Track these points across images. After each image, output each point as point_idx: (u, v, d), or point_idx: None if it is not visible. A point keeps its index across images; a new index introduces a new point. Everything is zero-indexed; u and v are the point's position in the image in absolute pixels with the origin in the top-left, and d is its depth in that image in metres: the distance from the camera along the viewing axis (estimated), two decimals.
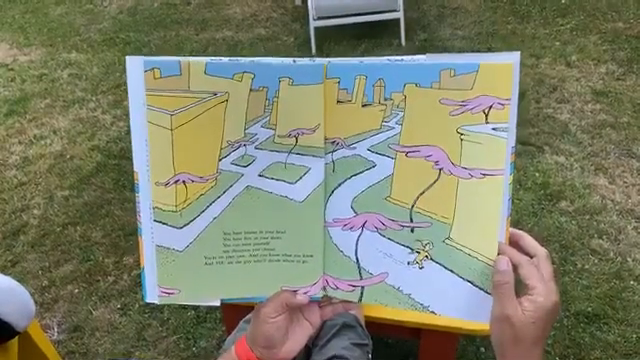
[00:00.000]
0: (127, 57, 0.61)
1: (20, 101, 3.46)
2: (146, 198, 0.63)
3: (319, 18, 3.70)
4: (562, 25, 3.80)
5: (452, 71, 0.58)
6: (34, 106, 3.41)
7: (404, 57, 0.60)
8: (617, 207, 2.36)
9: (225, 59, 0.60)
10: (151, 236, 0.64)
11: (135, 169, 0.63)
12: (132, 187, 0.62)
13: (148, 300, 0.66)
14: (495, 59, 0.58)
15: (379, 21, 3.71)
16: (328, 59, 0.60)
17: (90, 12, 4.63)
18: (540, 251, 0.60)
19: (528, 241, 0.61)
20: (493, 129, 0.59)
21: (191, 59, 0.60)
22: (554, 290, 0.57)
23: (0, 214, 2.57)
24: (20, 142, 3.08)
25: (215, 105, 0.61)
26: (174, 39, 4.13)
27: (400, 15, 3.68)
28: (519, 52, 0.58)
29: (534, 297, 0.57)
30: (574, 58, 3.41)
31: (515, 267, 0.59)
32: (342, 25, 3.74)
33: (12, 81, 3.70)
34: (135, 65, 0.60)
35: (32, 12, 4.71)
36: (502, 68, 0.58)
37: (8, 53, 4.08)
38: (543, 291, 0.57)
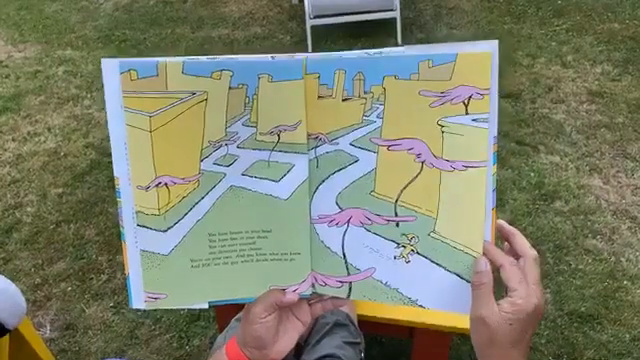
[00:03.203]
0: (102, 59, 0.59)
1: (14, 98, 3.44)
2: (128, 203, 0.62)
3: (315, 17, 3.69)
4: (558, 25, 3.81)
5: (430, 62, 0.57)
6: (28, 103, 3.39)
7: (383, 50, 0.59)
8: (611, 207, 2.37)
9: (203, 57, 0.59)
10: (135, 241, 0.63)
11: (116, 174, 0.62)
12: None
13: (134, 306, 0.65)
14: (473, 48, 0.57)
15: (376, 20, 3.71)
16: (307, 54, 0.59)
17: (85, 9, 4.61)
18: (528, 253, 0.59)
19: (518, 240, 0.60)
20: (473, 120, 0.58)
21: (168, 59, 0.59)
22: (537, 294, 0.56)
23: None
24: (14, 139, 3.07)
25: (194, 105, 0.60)
26: (170, 37, 4.12)
27: (397, 14, 3.68)
28: (497, 41, 0.57)
29: (513, 299, 0.56)
30: (570, 58, 3.42)
31: (497, 268, 0.58)
32: (339, 24, 3.73)
33: (6, 78, 3.68)
34: (111, 67, 0.59)
35: (27, 9, 4.69)
36: (480, 57, 0.57)
37: (3, 49, 4.06)
38: (524, 293, 0.55)
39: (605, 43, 3.56)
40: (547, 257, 2.15)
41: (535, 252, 0.59)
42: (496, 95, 0.58)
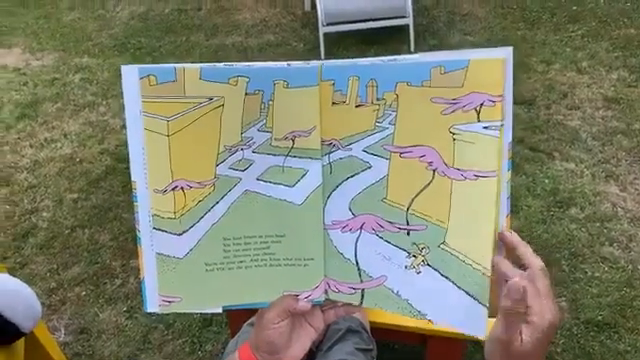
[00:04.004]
0: (122, 66, 0.61)
1: (32, 105, 3.49)
2: (145, 206, 0.63)
3: (328, 24, 3.70)
4: (573, 31, 3.78)
5: (442, 68, 0.57)
6: (45, 110, 3.44)
7: (397, 57, 0.59)
8: (628, 215, 2.33)
9: (220, 64, 0.60)
10: (151, 244, 0.64)
11: (133, 179, 0.62)
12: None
13: (149, 310, 0.66)
14: (486, 54, 0.56)
15: (389, 27, 3.71)
16: (322, 61, 0.60)
17: (102, 17, 4.67)
18: (534, 263, 0.56)
19: (522, 251, 0.57)
20: (484, 127, 0.56)
21: (186, 65, 0.60)
22: (550, 308, 0.54)
23: (10, 216, 2.59)
24: (31, 145, 3.11)
25: (211, 110, 0.61)
26: (184, 44, 4.16)
27: (409, 21, 3.67)
28: (512, 47, 0.56)
29: (530, 318, 0.53)
30: (585, 64, 3.39)
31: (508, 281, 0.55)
32: (351, 31, 3.74)
33: (24, 85, 3.74)
34: (130, 74, 0.60)
35: (45, 17, 4.76)
36: (493, 63, 0.56)
37: (21, 58, 4.13)
38: (538, 309, 0.53)
39: (621, 49, 3.52)
40: (562, 265, 2.13)
41: (541, 262, 0.56)
42: (511, 101, 0.57)
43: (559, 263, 2.13)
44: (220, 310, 0.67)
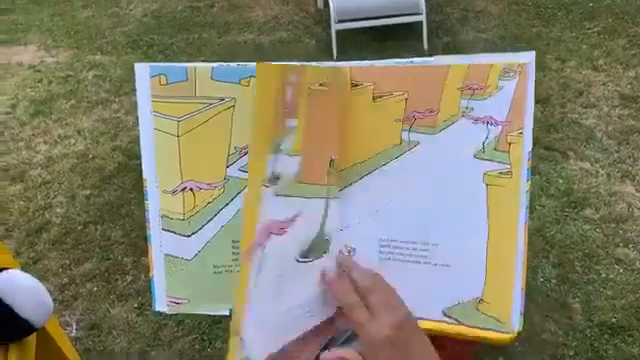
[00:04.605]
0: (135, 64, 0.60)
1: (46, 102, 3.53)
2: (155, 206, 0.62)
3: (340, 21, 3.68)
4: (589, 28, 3.72)
5: None
6: (59, 107, 3.47)
7: (414, 59, 0.58)
8: None
9: (233, 64, 0.59)
10: (160, 244, 0.63)
11: (144, 176, 0.62)
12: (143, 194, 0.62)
13: (157, 308, 0.65)
14: (508, 59, 0.56)
15: (401, 24, 3.69)
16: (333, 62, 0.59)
17: (116, 15, 4.70)
18: (365, 281, 0.55)
19: (355, 273, 0.57)
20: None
21: (198, 64, 0.59)
22: (384, 323, 0.53)
23: (24, 212, 2.62)
24: (45, 142, 3.14)
25: (222, 111, 0.60)
26: (196, 42, 4.16)
27: (423, 18, 3.64)
28: (534, 52, 0.56)
29: (362, 336, 0.54)
30: (601, 62, 3.33)
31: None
32: (364, 28, 3.72)
33: (39, 82, 3.77)
34: (143, 71, 0.60)
35: (60, 15, 4.81)
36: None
37: (36, 55, 4.17)
38: (370, 328, 0.53)
39: (638, 46, 3.46)
40: (576, 266, 2.10)
41: (373, 274, 0.56)
42: (532, 107, 0.56)
43: (572, 264, 2.10)
44: (228, 313, 0.66)
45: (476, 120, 0.58)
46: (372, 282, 0.55)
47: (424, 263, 0.60)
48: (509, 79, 0.57)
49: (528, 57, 0.56)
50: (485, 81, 0.58)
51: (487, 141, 0.59)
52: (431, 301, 0.61)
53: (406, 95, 0.59)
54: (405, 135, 0.60)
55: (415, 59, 0.58)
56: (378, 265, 0.60)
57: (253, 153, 0.57)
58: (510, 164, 0.58)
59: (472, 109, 0.58)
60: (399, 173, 0.60)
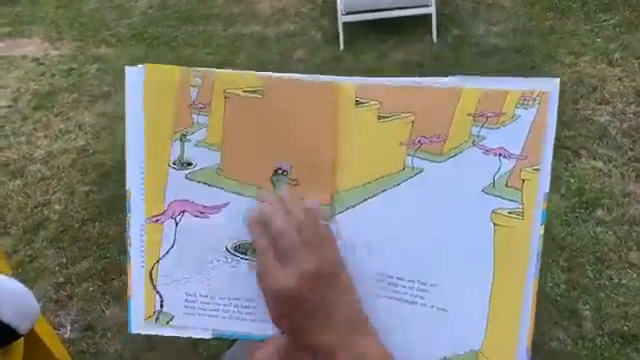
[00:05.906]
0: (127, 67, 0.57)
1: (48, 95, 3.50)
2: (138, 219, 0.57)
3: (348, 13, 3.60)
4: (605, 21, 3.60)
5: None
6: (61, 100, 3.44)
7: (425, 79, 0.53)
8: None
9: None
10: (141, 262, 0.57)
11: (127, 187, 0.57)
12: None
13: (134, 331, 0.59)
14: (528, 85, 0.51)
15: (410, 16, 3.60)
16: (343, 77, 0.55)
17: (121, 7, 4.66)
18: (278, 221, 0.51)
19: (269, 211, 0.53)
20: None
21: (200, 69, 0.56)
22: (289, 272, 0.48)
23: (22, 208, 2.59)
24: (46, 136, 3.11)
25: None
26: (202, 34, 4.11)
27: (432, 10, 3.55)
28: (558, 79, 0.50)
29: (261, 287, 0.51)
30: (617, 56, 3.21)
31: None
32: (371, 20, 3.63)
33: (42, 75, 3.74)
34: (135, 75, 0.56)
35: (65, 7, 4.78)
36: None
37: (40, 47, 4.14)
38: (268, 277, 0.49)
39: None
40: (587, 270, 2.02)
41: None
42: (552, 142, 0.51)
43: (583, 268, 2.02)
44: (209, 336, 0.59)
45: (487, 151, 0.52)
46: (286, 224, 0.50)
47: (420, 305, 0.54)
48: (527, 108, 0.51)
49: (551, 84, 0.50)
50: (500, 108, 0.52)
51: (498, 175, 0.52)
52: (428, 347, 0.54)
53: (413, 117, 0.53)
54: (409, 160, 0.54)
55: (426, 78, 0.53)
56: (371, 301, 0.53)
57: (151, 137, 0.57)
58: (522, 203, 0.52)
59: (484, 138, 0.52)
60: (400, 202, 0.54)
